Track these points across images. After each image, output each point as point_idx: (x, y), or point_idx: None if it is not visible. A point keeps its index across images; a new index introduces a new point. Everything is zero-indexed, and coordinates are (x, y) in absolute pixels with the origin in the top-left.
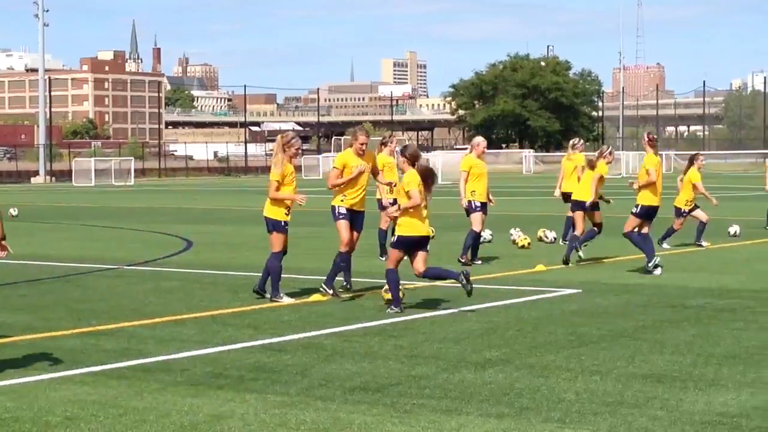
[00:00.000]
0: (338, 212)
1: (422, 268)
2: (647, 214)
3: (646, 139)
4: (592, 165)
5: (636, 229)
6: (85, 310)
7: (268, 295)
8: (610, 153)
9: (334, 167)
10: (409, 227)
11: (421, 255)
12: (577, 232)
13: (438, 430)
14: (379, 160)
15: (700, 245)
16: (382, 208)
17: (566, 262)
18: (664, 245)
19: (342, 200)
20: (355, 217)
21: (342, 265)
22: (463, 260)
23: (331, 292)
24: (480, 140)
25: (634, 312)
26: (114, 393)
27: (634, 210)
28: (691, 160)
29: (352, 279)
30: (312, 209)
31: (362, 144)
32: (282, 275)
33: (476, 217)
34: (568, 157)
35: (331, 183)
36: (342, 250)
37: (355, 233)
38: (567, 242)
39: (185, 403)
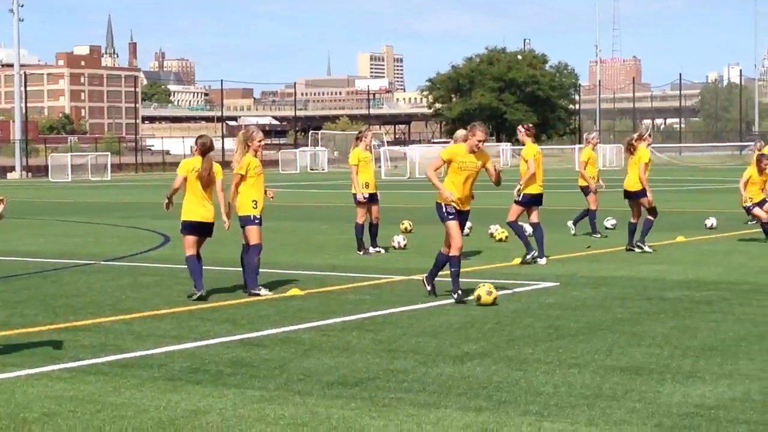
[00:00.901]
0: (446, 211)
1: (192, 252)
2: (531, 201)
3: (522, 129)
4: (632, 150)
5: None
6: (62, 306)
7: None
8: (649, 135)
9: (439, 157)
10: (188, 213)
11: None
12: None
13: (416, 424)
14: (354, 155)
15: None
16: (357, 203)
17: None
18: None
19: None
20: (461, 216)
21: (453, 271)
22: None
23: (429, 288)
24: (463, 133)
25: (612, 305)
26: (91, 389)
27: (517, 199)
28: (759, 160)
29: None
30: (286, 204)
31: (479, 141)
32: (259, 269)
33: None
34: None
35: (429, 172)
36: (454, 254)
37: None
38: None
39: (163, 399)
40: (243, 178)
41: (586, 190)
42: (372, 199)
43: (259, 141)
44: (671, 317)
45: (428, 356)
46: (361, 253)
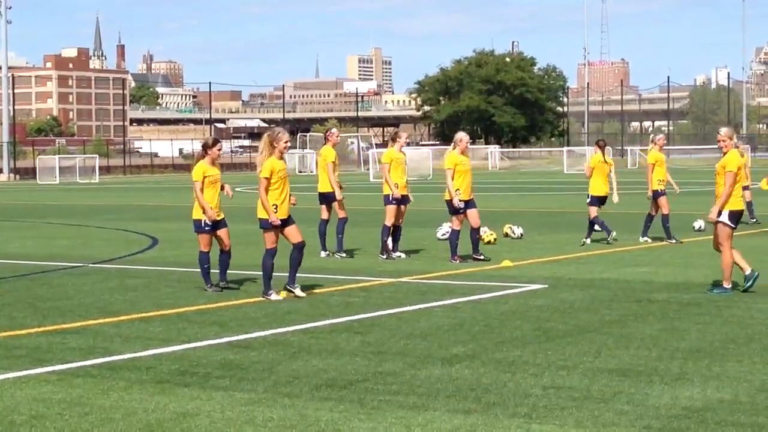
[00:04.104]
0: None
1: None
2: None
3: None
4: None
5: None
6: (50, 309)
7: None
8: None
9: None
10: None
11: None
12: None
13: (405, 426)
14: (387, 154)
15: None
16: (388, 203)
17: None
18: None
19: None
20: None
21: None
22: (456, 261)
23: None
24: (463, 136)
25: (600, 307)
26: (80, 391)
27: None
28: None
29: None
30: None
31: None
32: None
33: (460, 217)
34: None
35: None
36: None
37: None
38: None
39: (151, 401)
40: (268, 181)
41: (654, 194)
42: (402, 200)
43: (285, 143)
44: (659, 319)
45: (417, 358)
46: (384, 257)
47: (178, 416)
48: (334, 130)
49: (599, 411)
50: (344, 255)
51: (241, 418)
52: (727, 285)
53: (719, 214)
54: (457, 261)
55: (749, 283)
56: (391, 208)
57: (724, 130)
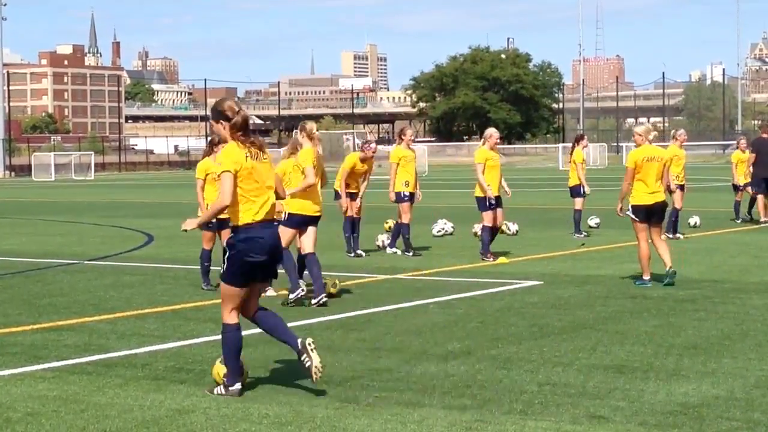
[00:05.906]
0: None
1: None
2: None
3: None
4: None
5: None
6: (46, 306)
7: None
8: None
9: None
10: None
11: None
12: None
13: (400, 423)
14: (395, 153)
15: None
16: (400, 201)
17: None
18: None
19: None
20: None
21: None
22: (490, 259)
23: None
24: (493, 131)
25: (596, 303)
26: (75, 388)
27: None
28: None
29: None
30: None
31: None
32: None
33: (490, 214)
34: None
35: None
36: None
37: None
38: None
39: (147, 398)
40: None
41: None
42: (410, 198)
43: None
44: (655, 315)
45: (412, 355)
46: (410, 254)
47: (174, 413)
48: (373, 145)
49: (595, 407)
50: (352, 254)
51: (236, 414)
52: (645, 277)
53: (623, 208)
54: (491, 259)
55: (668, 280)
56: (405, 205)
57: (640, 128)
